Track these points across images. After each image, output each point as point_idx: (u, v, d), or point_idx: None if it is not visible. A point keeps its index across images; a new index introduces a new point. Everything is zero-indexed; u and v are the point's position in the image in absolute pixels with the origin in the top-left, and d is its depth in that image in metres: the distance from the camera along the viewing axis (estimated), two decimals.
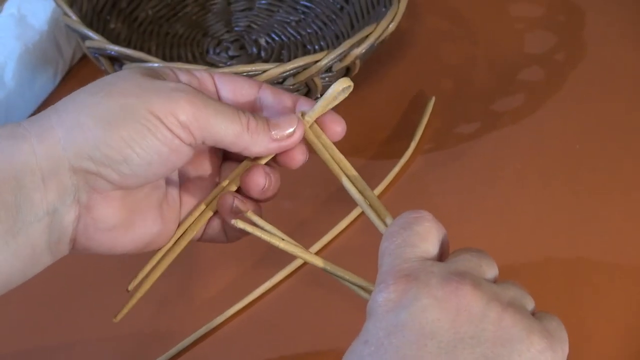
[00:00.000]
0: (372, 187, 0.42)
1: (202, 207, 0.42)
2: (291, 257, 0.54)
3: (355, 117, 0.65)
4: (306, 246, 0.39)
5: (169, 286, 0.53)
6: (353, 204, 0.41)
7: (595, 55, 0.70)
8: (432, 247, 0.36)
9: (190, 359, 0.50)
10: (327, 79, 0.59)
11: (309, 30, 0.72)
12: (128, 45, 0.68)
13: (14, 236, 0.34)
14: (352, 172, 0.42)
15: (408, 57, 0.70)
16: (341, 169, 0.42)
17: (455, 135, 0.64)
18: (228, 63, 0.69)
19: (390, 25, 0.59)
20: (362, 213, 0.56)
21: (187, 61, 0.69)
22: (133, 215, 0.38)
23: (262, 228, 0.40)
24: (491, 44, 0.72)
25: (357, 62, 0.59)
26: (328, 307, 0.52)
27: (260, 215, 0.41)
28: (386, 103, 0.66)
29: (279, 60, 0.69)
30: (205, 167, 0.42)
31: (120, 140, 0.35)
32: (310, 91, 0.60)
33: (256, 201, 0.42)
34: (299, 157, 0.41)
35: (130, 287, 0.41)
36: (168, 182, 0.41)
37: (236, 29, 0.73)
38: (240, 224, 0.39)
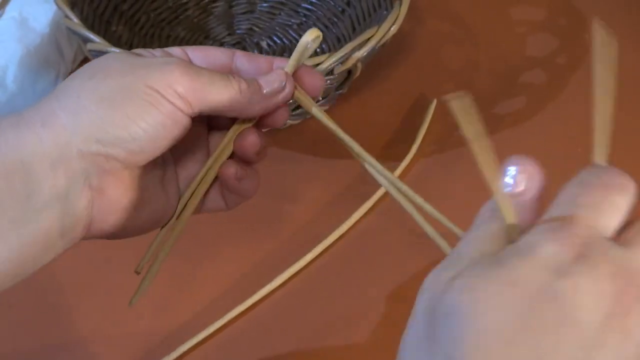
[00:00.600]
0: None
1: (199, 178, 0.42)
2: (294, 259, 0.54)
3: (357, 120, 0.66)
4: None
5: (171, 289, 0.53)
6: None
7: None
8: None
9: None
10: (328, 82, 0.59)
11: None
12: (129, 48, 0.68)
13: (25, 224, 0.34)
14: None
15: (409, 60, 0.70)
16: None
17: (456, 138, 0.64)
18: None
19: (392, 29, 0.59)
20: (365, 215, 0.56)
21: None
22: (141, 193, 0.39)
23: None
24: (493, 47, 0.72)
25: (359, 65, 0.59)
26: (330, 309, 0.52)
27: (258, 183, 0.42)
28: (387, 106, 0.66)
29: None
30: (195, 139, 0.43)
31: (126, 118, 0.36)
32: None
33: (251, 164, 0.43)
34: (284, 115, 0.42)
35: (139, 269, 0.41)
36: (164, 158, 0.41)
37: (238, 31, 0.73)
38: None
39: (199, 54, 0.41)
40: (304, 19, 0.73)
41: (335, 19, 0.72)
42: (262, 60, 0.42)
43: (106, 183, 0.37)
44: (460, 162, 0.62)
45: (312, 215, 0.58)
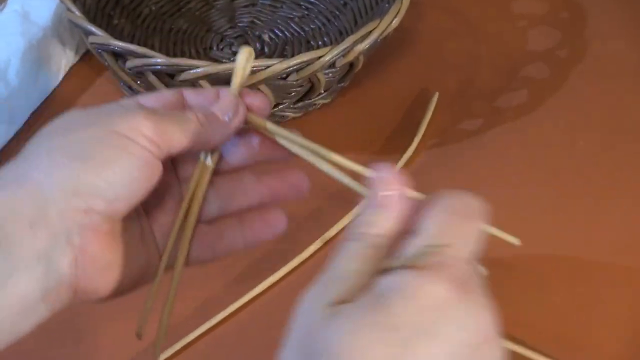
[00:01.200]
0: None
1: (177, 225, 0.41)
2: (291, 255, 0.54)
3: (359, 113, 0.66)
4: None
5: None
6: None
7: (598, 52, 0.70)
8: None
9: (190, 356, 0.50)
10: (330, 74, 0.59)
11: (312, 26, 0.72)
12: (131, 41, 0.68)
13: (1, 287, 0.33)
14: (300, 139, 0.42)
15: (411, 53, 0.70)
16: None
17: (458, 131, 0.64)
18: (231, 59, 0.69)
19: (394, 21, 0.59)
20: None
21: (191, 57, 0.69)
22: (124, 248, 0.38)
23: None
24: (494, 41, 0.72)
25: (361, 58, 0.59)
26: None
27: None
28: (389, 99, 0.66)
29: (283, 56, 0.69)
30: (165, 189, 0.42)
31: (99, 165, 0.36)
32: (313, 87, 0.60)
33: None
34: (254, 143, 0.42)
35: (140, 331, 0.41)
36: (138, 213, 0.41)
37: (240, 24, 0.73)
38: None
39: (151, 98, 0.41)
40: (305, 12, 0.73)
41: (337, 12, 0.72)
42: (209, 92, 0.42)
43: (87, 239, 0.36)
44: (462, 154, 0.62)
45: (311, 210, 0.58)
